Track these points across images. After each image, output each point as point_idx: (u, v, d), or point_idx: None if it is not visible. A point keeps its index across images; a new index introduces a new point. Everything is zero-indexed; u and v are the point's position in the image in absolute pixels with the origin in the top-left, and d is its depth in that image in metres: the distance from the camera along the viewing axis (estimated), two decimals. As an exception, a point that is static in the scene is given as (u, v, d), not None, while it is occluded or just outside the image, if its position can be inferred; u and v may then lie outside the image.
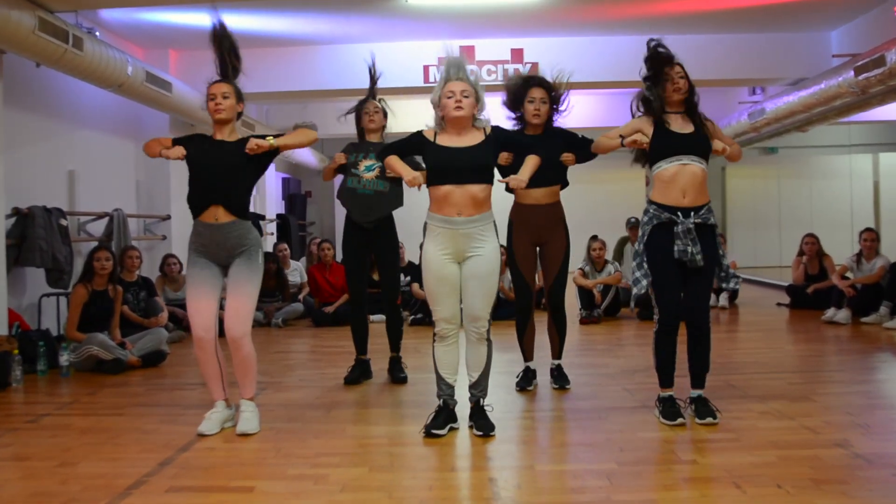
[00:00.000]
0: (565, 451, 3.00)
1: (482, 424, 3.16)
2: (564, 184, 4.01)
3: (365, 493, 2.52)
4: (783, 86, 8.26)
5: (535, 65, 7.82)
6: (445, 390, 3.22)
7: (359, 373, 4.36)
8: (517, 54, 7.86)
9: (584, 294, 7.02)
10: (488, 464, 2.83)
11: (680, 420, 3.24)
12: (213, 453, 3.00)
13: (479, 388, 3.24)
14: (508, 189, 3.44)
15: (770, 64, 7.79)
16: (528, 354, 4.06)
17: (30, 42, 4.76)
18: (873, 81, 6.28)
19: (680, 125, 3.35)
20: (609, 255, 7.60)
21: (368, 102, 4.41)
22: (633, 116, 3.45)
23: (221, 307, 3.37)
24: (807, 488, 2.42)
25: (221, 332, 3.27)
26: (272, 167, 11.59)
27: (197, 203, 3.33)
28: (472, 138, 3.18)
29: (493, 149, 3.21)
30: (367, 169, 4.20)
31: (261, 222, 9.68)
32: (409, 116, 10.39)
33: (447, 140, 3.18)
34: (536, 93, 3.85)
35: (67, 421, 3.62)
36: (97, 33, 5.78)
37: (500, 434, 3.19)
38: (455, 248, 3.14)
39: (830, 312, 6.54)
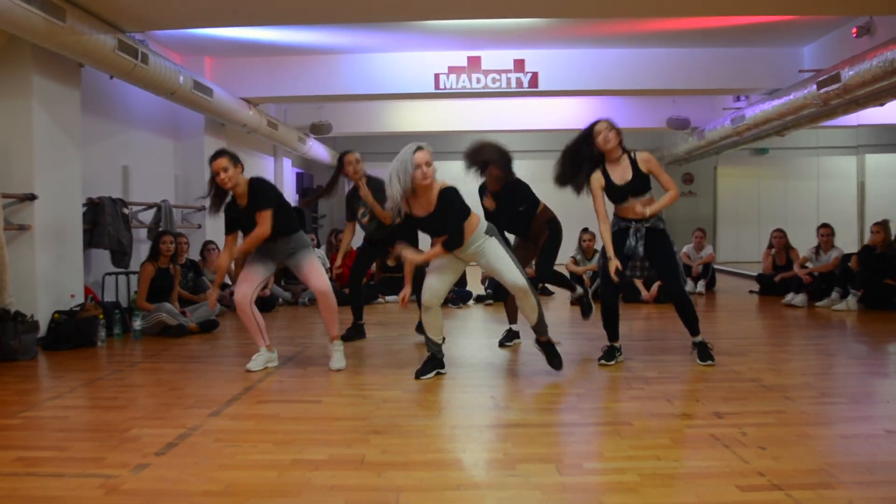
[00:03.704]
0: (548, 381, 3.95)
1: (551, 360, 4.06)
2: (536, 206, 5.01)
3: (401, 403, 3.51)
4: (762, 95, 9.13)
5: (535, 74, 8.76)
6: (433, 346, 4.11)
7: (353, 333, 5.46)
8: (519, 64, 8.72)
9: (576, 279, 7.95)
10: (490, 389, 3.80)
11: (614, 361, 4.35)
12: (283, 383, 3.98)
13: (538, 327, 4.06)
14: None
15: (749, 75, 8.60)
16: (511, 318, 5.12)
17: (110, 59, 5.70)
18: (832, 95, 7.17)
19: (620, 174, 4.24)
20: (598, 246, 8.52)
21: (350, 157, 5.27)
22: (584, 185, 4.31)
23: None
24: (716, 401, 3.40)
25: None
26: (287, 162, 12.52)
27: None
28: (429, 204, 3.80)
29: (442, 213, 3.80)
30: (363, 216, 5.32)
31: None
32: (423, 117, 11.34)
33: (416, 208, 3.84)
34: (494, 170, 4.73)
35: (159, 365, 4.58)
36: (148, 44, 6.69)
37: (497, 371, 4.21)
38: (463, 260, 4.01)
39: (789, 296, 7.47)
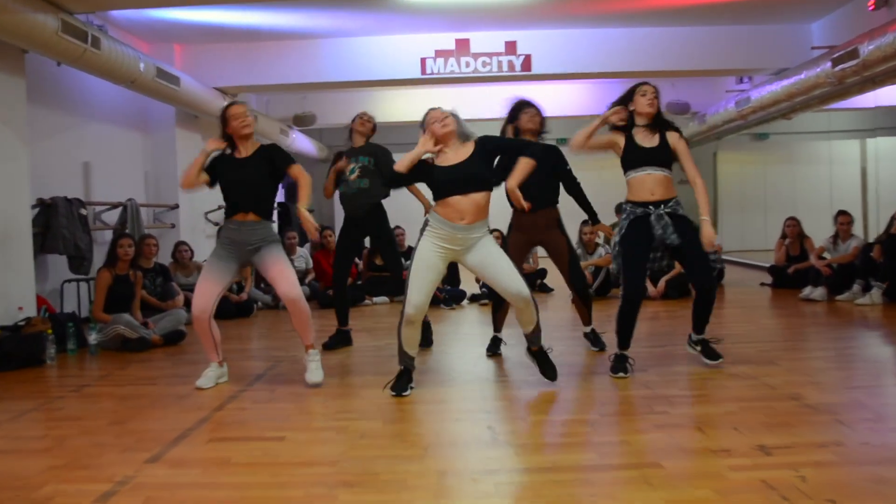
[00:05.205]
0: (554, 406, 3.39)
1: (546, 371, 3.68)
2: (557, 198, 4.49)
3: (381, 440, 2.92)
4: (767, 75, 8.59)
5: (528, 56, 8.19)
6: (408, 361, 3.67)
7: (338, 340, 4.98)
8: (510, 46, 8.17)
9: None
10: (487, 416, 3.22)
11: (621, 374, 3.82)
12: (244, 412, 3.40)
13: (533, 336, 3.69)
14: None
15: (754, 55, 8.09)
16: (497, 326, 4.60)
17: (53, 42, 5.09)
18: (849, 72, 6.64)
19: (645, 139, 3.84)
20: (600, 239, 7.98)
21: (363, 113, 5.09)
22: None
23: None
24: (758, 430, 2.83)
25: (220, 314, 4.03)
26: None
27: (231, 209, 3.88)
28: (464, 154, 3.55)
29: (482, 159, 3.56)
30: (351, 172, 4.87)
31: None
32: (409, 105, 10.74)
33: (444, 161, 3.56)
34: (531, 109, 4.35)
35: (107, 390, 4.00)
36: (108, 30, 6.08)
37: (495, 392, 3.64)
38: (452, 247, 3.50)
39: (807, 290, 6.93)
